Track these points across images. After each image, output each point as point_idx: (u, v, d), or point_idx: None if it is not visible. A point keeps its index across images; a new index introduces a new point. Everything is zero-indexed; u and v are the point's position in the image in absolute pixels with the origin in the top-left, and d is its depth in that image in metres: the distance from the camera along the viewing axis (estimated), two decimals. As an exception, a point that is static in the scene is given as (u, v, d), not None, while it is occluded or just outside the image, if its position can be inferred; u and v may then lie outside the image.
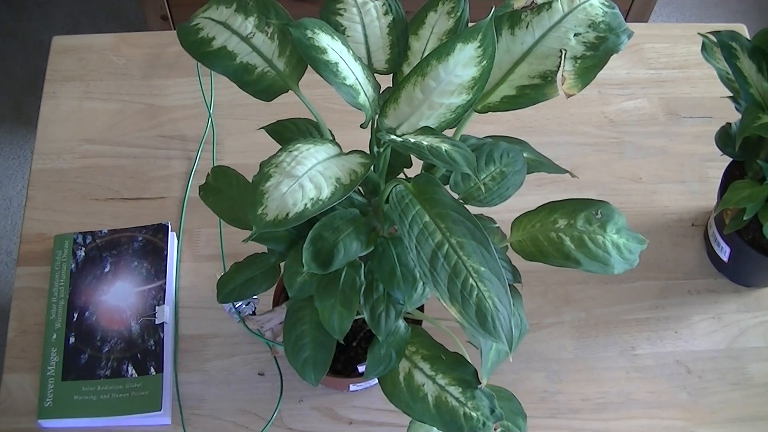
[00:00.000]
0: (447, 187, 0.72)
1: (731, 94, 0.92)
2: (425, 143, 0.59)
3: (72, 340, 0.94)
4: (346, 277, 0.69)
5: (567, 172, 0.80)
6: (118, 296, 0.97)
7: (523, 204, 0.80)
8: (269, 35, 0.69)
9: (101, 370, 0.92)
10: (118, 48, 1.18)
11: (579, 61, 0.63)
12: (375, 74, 0.67)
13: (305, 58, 0.60)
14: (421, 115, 0.62)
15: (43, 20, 2.13)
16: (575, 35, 0.63)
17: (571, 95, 0.63)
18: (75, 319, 0.95)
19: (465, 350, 0.73)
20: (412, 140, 0.59)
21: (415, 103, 0.62)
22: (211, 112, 1.13)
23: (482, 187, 0.74)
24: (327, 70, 0.60)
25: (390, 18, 0.68)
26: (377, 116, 0.63)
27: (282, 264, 0.75)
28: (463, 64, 0.61)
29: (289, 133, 0.76)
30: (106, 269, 0.98)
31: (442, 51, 0.60)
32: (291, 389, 0.94)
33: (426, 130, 0.61)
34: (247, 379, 0.95)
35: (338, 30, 0.68)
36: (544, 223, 0.74)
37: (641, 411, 0.95)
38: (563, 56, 0.63)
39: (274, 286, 0.78)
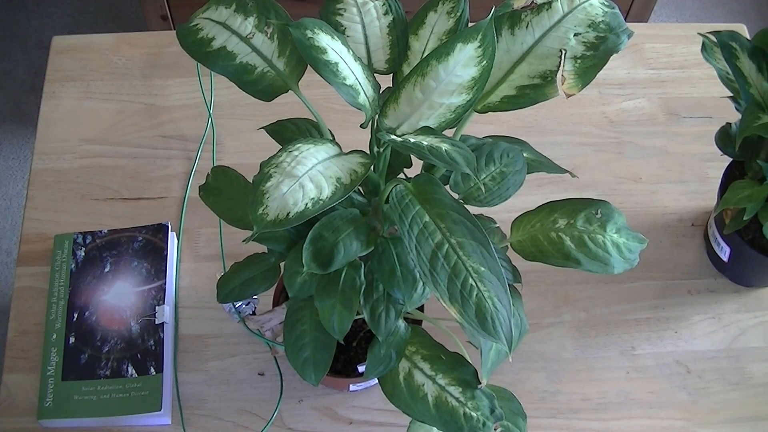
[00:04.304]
0: (447, 187, 0.72)
1: (731, 94, 0.92)
2: (425, 143, 0.59)
3: (72, 340, 0.94)
4: (346, 277, 0.69)
5: (567, 172, 0.80)
6: (118, 296, 0.97)
7: (523, 204, 0.80)
8: (269, 35, 0.69)
9: (101, 370, 0.92)
10: (118, 48, 1.18)
11: (579, 61, 0.63)
12: (375, 74, 0.67)
13: (305, 58, 0.60)
14: (421, 115, 0.62)
15: (43, 20, 2.13)
16: (575, 35, 0.63)
17: (571, 95, 0.63)
18: (75, 319, 0.95)
19: (465, 350, 0.73)
20: (412, 140, 0.59)
21: (415, 103, 0.62)
22: (211, 112, 1.13)
23: (482, 187, 0.74)
24: (327, 70, 0.60)
25: (390, 18, 0.68)
26: (377, 116, 0.63)
27: (282, 264, 0.75)
28: (463, 64, 0.61)
29: (289, 133, 0.76)
30: (106, 269, 0.98)
31: (442, 51, 0.60)
32: (291, 389, 0.94)
33: (426, 130, 0.61)
34: (247, 379, 0.95)
35: (338, 30, 0.68)
36: (544, 223, 0.74)
37: (641, 411, 0.95)
38: (563, 56, 0.63)
39: (274, 286, 0.78)
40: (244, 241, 0.61)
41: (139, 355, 0.93)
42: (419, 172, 0.66)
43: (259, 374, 0.95)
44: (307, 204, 0.56)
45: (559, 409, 0.95)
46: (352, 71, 0.62)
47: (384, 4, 0.69)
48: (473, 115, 0.65)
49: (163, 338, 0.94)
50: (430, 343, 0.73)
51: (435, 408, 0.69)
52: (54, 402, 0.90)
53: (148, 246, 1.00)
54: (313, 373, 0.72)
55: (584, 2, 0.63)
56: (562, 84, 0.63)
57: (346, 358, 0.86)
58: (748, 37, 1.10)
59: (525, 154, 0.77)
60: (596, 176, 1.10)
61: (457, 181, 0.74)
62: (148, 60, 1.17)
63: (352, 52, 0.63)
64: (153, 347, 0.94)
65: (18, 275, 1.00)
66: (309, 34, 0.60)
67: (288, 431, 0.92)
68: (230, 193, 0.77)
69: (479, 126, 1.05)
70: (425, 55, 0.67)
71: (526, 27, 0.64)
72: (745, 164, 0.95)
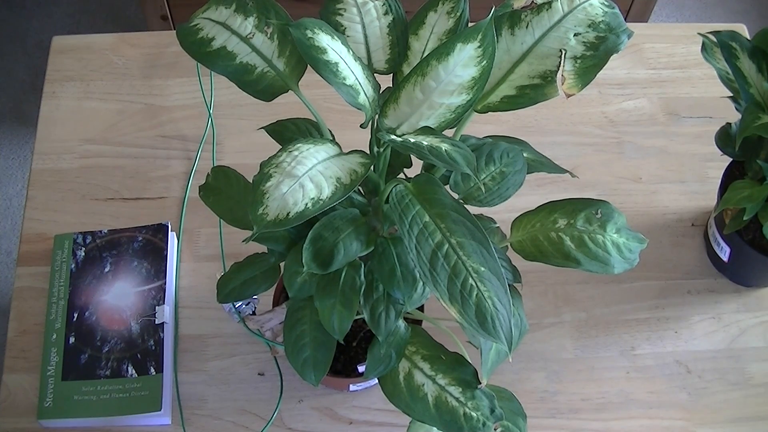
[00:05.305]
0: (447, 187, 0.72)
1: (731, 94, 0.92)
2: (425, 143, 0.59)
3: (72, 340, 0.94)
4: (346, 277, 0.69)
5: (567, 172, 0.80)
6: (118, 296, 0.97)
7: (523, 204, 0.80)
8: (269, 35, 0.69)
9: (101, 370, 0.92)
10: (118, 48, 1.18)
11: (579, 61, 0.63)
12: (375, 74, 0.67)
13: (305, 58, 0.60)
14: (421, 115, 0.62)
15: (43, 20, 2.13)
16: (575, 35, 0.63)
17: (571, 95, 0.63)
18: (75, 319, 0.95)
19: (465, 350, 0.73)
20: (412, 140, 0.59)
21: (415, 103, 0.62)
22: (211, 112, 1.13)
23: (482, 187, 0.74)
24: (327, 70, 0.60)
25: (390, 18, 0.68)
26: (377, 116, 0.63)
27: (282, 264, 0.75)
28: (463, 64, 0.61)
29: (289, 133, 0.76)
30: (106, 269, 0.98)
31: (442, 51, 0.61)
32: (291, 389, 0.94)
33: (426, 130, 0.61)
34: (247, 379, 0.95)
35: (338, 30, 0.68)
36: (544, 223, 0.74)
37: (641, 411, 0.95)
38: (563, 56, 0.63)
39: (274, 286, 0.78)
40: (244, 241, 0.61)
41: (139, 355, 0.93)
42: (419, 172, 0.66)
43: (259, 374, 0.95)
44: (307, 204, 0.56)
45: (559, 409, 0.95)
46: (352, 71, 0.62)
47: (384, 4, 0.69)
48: (473, 115, 0.65)
49: (163, 338, 0.94)
50: (430, 343, 0.73)
51: (435, 408, 0.69)
52: (54, 402, 0.90)
53: (148, 246, 1.00)
54: (313, 373, 0.72)
55: (584, 2, 0.63)
56: (562, 84, 0.63)
57: (346, 358, 0.86)
58: (748, 37, 1.10)
59: (525, 154, 0.77)
60: (596, 176, 1.10)
61: (457, 181, 0.74)
62: (148, 60, 1.17)
63: (352, 52, 0.63)
64: (153, 347, 0.94)
65: (18, 275, 1.00)
66: (309, 34, 0.60)
67: (288, 431, 0.92)
68: (230, 193, 0.77)
69: (479, 126, 1.05)
70: (425, 55, 0.67)
71: (526, 27, 0.64)
72: (745, 164, 0.95)
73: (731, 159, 0.97)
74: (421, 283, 0.69)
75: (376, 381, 0.79)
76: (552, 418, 0.94)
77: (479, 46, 0.60)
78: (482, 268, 0.58)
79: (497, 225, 0.78)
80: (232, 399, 0.94)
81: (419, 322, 0.86)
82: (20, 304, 0.98)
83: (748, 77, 0.87)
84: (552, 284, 1.02)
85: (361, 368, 0.84)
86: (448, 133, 0.63)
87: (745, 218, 0.88)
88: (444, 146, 0.58)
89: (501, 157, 0.75)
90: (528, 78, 0.64)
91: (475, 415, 0.68)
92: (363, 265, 0.70)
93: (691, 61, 1.21)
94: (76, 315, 0.95)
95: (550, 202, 0.76)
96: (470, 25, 0.62)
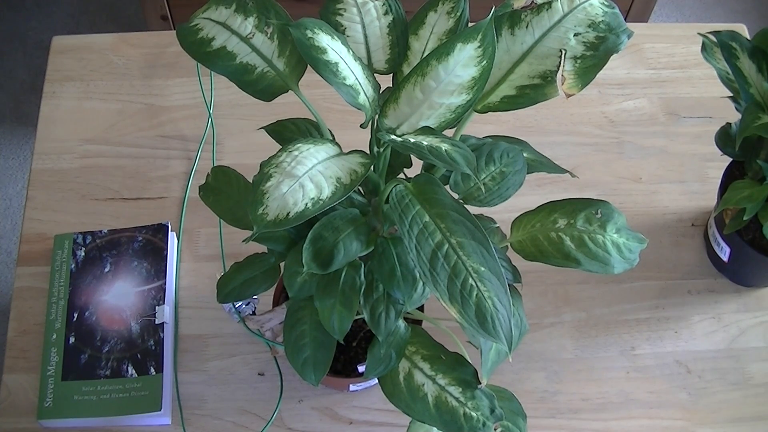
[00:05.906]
0: (447, 187, 0.72)
1: (731, 94, 0.92)
2: (425, 143, 0.59)
3: (72, 340, 0.94)
4: (346, 277, 0.69)
5: (567, 172, 0.80)
6: (118, 296, 0.97)
7: (523, 204, 0.80)
8: (269, 35, 0.69)
9: (101, 370, 0.92)
10: (118, 48, 1.18)
11: (579, 61, 0.63)
12: (375, 74, 0.67)
13: (305, 58, 0.60)
14: (421, 115, 0.62)
15: (43, 20, 2.13)
16: (575, 35, 0.63)
17: (571, 95, 0.63)
18: (75, 319, 0.95)
19: (465, 350, 0.73)
20: (412, 140, 0.59)
21: (415, 103, 0.62)
22: (211, 112, 1.13)
23: (482, 187, 0.74)
24: (327, 70, 0.60)
25: (390, 18, 0.68)
26: (377, 116, 0.63)
27: (282, 264, 0.75)
28: (463, 64, 0.61)
29: (289, 133, 0.76)
30: (106, 269, 0.98)
31: (442, 51, 0.61)
32: (291, 389, 0.94)
33: (426, 130, 0.61)
34: (247, 379, 0.95)
35: (338, 30, 0.68)
36: (544, 223, 0.74)
37: (641, 411, 0.95)
38: (563, 56, 0.63)
39: (274, 286, 0.78)
40: (244, 241, 0.61)
41: (139, 355, 0.93)
42: (419, 172, 0.66)
43: (259, 374, 0.95)
44: (307, 204, 0.56)
45: (559, 409, 0.95)
46: (352, 71, 0.62)
47: (384, 4, 0.69)
48: (473, 115, 0.65)
49: (163, 338, 0.94)
50: (430, 343, 0.73)
51: (435, 408, 0.69)
52: (54, 402, 0.90)
53: (148, 246, 1.00)
54: (313, 373, 0.72)
55: (584, 2, 0.63)
56: (562, 84, 0.63)
57: (346, 358, 0.86)
58: (748, 37, 1.10)
59: (525, 154, 0.77)
60: (596, 176, 1.10)
61: (457, 181, 0.74)
62: (148, 60, 1.17)
63: (352, 52, 0.63)
64: (153, 347, 0.94)
65: (18, 275, 1.00)
66: (309, 34, 0.60)
67: (288, 431, 0.92)
68: (230, 193, 0.77)
69: (479, 126, 1.05)
70: (425, 55, 0.67)
71: (526, 27, 0.64)
72: (745, 164, 0.95)
73: (731, 159, 0.97)
74: (421, 283, 0.69)
75: (376, 381, 0.79)
76: (552, 418, 0.94)
77: (479, 46, 0.60)
78: (482, 268, 0.58)
79: (497, 225, 0.78)
80: (232, 399, 0.94)
81: (419, 322, 0.86)
82: (20, 304, 0.98)
83: (748, 77, 0.87)
84: (552, 284, 1.02)
85: (361, 368, 0.84)
86: (448, 133, 0.63)
87: (745, 218, 0.88)
88: (444, 146, 0.58)
89: (501, 157, 0.75)
90: (528, 78, 0.64)
91: (475, 415, 0.68)
92: (363, 265, 0.70)
93: (691, 61, 1.21)
94: (76, 315, 0.95)
95: (550, 202, 0.76)
96: (470, 25, 0.62)
